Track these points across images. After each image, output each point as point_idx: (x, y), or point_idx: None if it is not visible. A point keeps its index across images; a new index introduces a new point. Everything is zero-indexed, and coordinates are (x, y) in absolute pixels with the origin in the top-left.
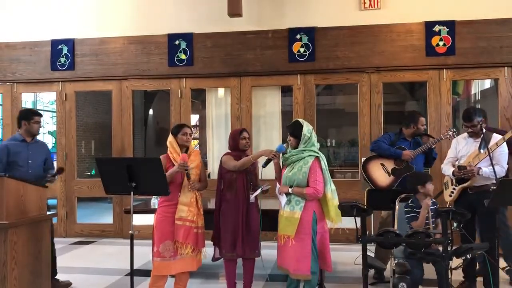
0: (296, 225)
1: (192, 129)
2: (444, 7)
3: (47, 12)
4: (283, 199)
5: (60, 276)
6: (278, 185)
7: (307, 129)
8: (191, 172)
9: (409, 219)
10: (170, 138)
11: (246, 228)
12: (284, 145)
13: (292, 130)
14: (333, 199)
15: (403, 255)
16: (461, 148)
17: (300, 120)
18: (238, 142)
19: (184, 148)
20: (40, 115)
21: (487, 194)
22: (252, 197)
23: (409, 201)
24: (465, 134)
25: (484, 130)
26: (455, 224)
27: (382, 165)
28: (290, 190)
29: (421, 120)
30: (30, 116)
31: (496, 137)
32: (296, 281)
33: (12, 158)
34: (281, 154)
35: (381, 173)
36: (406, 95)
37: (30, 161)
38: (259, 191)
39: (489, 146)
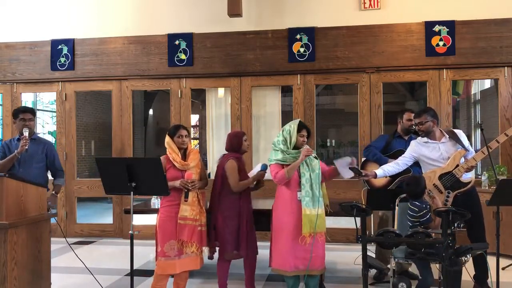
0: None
1: (190, 129)
2: (444, 7)
3: (47, 12)
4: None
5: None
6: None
7: None
8: (192, 172)
9: (425, 222)
10: (167, 139)
11: (250, 229)
12: (264, 164)
13: (309, 129)
14: None
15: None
16: (429, 153)
17: None
18: (242, 144)
19: (182, 149)
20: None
21: (473, 194)
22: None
23: (415, 208)
24: (424, 138)
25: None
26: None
27: (380, 165)
28: None
29: (407, 115)
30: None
31: (460, 133)
32: (298, 281)
33: None
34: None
35: None
36: (406, 95)
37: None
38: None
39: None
